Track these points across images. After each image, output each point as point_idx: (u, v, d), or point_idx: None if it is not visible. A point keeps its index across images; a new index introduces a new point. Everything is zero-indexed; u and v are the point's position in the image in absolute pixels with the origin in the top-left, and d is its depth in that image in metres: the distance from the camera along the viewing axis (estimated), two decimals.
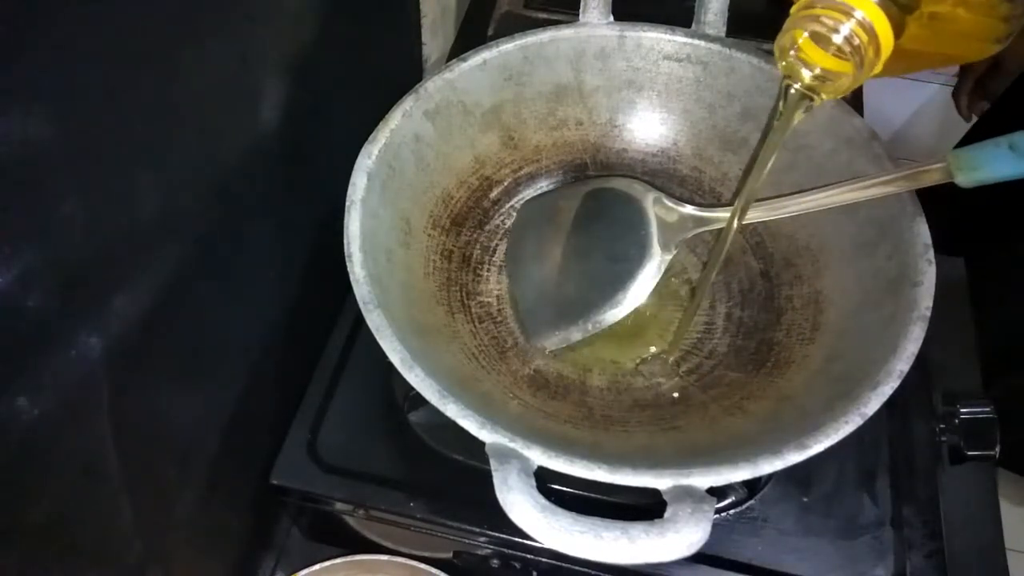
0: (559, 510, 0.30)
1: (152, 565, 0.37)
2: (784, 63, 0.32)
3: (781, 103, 0.34)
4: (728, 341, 0.45)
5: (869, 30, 0.29)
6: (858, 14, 0.29)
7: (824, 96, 0.32)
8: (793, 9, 0.31)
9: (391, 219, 0.42)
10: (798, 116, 0.34)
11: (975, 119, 0.78)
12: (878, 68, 0.30)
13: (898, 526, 0.42)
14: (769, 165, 0.36)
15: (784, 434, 0.33)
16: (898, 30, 0.29)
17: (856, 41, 0.29)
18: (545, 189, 0.50)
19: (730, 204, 0.46)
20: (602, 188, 0.46)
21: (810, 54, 0.31)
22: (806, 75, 0.32)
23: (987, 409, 0.45)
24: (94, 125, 0.27)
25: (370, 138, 0.42)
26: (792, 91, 0.33)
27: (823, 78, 0.32)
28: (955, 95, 0.77)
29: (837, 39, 0.29)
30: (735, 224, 0.39)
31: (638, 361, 0.45)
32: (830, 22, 0.29)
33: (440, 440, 0.45)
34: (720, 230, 0.41)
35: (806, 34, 0.30)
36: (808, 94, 0.33)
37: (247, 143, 0.39)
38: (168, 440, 0.38)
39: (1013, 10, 0.28)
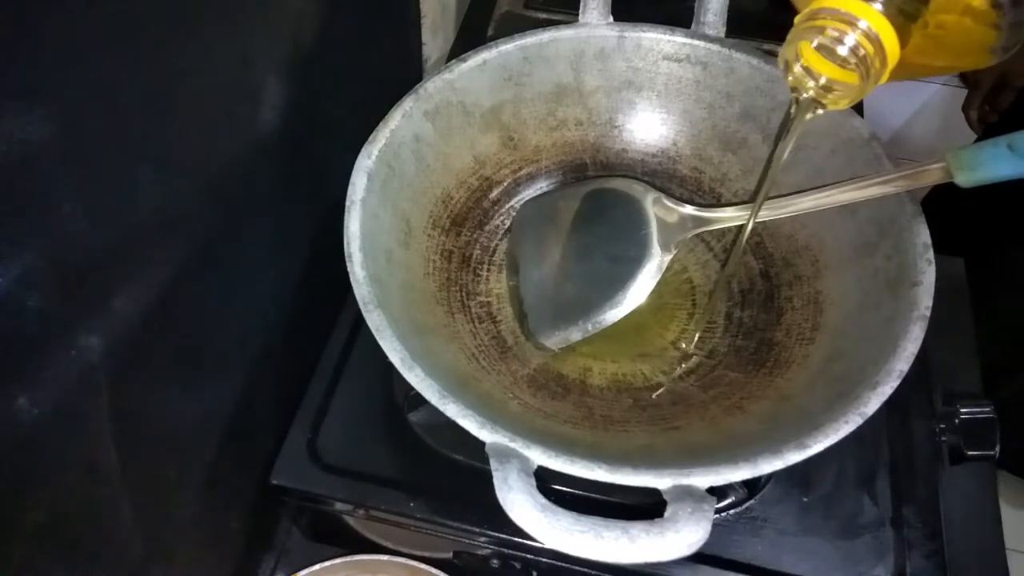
0: (559, 510, 0.30)
1: (152, 565, 0.37)
2: (790, 77, 0.32)
3: (793, 107, 0.34)
4: (728, 341, 0.45)
5: (875, 40, 0.28)
6: (863, 24, 0.28)
7: (830, 106, 0.32)
8: (797, 19, 0.30)
9: (391, 219, 0.42)
10: (808, 117, 0.33)
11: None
12: (884, 78, 0.30)
13: (898, 526, 0.42)
14: (783, 162, 0.36)
15: (784, 434, 0.33)
16: (903, 39, 0.29)
17: (862, 52, 0.28)
18: (545, 189, 0.50)
19: (730, 204, 0.46)
20: (602, 188, 0.46)
21: (815, 65, 0.31)
22: (812, 85, 0.32)
23: (987, 409, 0.45)
24: (94, 125, 0.27)
25: (370, 138, 0.42)
26: (800, 99, 0.33)
27: (829, 88, 0.31)
28: (965, 110, 0.78)
29: (842, 50, 0.29)
30: (751, 223, 0.39)
31: (640, 360, 0.45)
32: (835, 33, 0.29)
33: (440, 440, 0.45)
34: (739, 227, 0.41)
35: (813, 45, 0.30)
36: (815, 103, 0.32)
37: (247, 143, 0.39)
38: (168, 440, 0.38)
39: (1014, 17, 0.28)
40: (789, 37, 0.31)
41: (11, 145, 0.23)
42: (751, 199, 0.39)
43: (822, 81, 0.31)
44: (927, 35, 0.29)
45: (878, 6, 0.28)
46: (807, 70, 0.31)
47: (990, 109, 0.77)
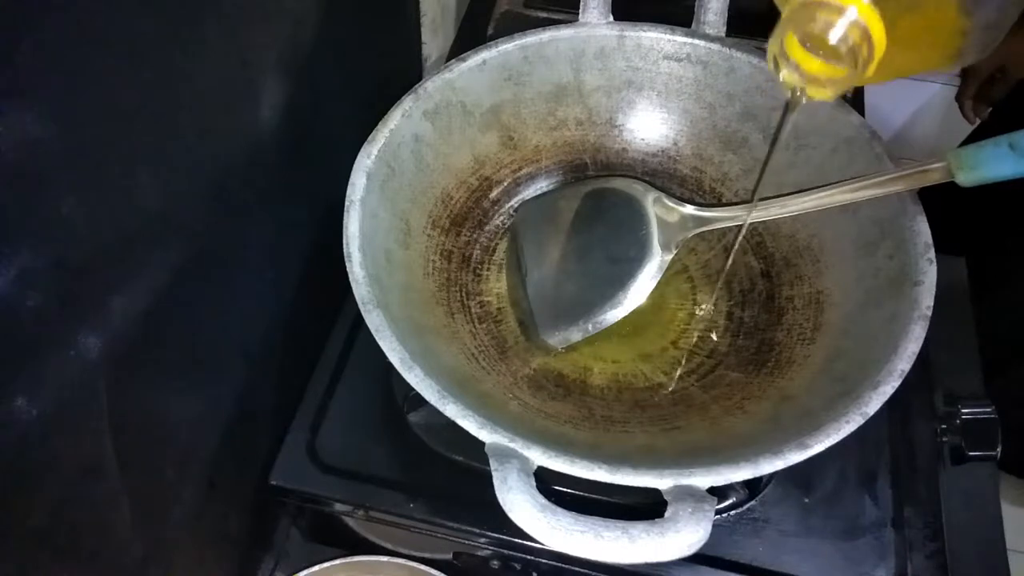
0: (559, 510, 0.30)
1: (152, 565, 0.37)
2: (781, 74, 0.32)
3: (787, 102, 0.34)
4: (729, 341, 0.45)
5: (862, 29, 0.28)
6: (852, 13, 0.28)
7: (817, 97, 0.32)
8: (784, 12, 0.30)
9: (390, 219, 0.42)
10: (798, 109, 0.34)
11: (979, 122, 0.78)
12: (871, 71, 0.30)
13: (899, 527, 0.42)
14: (779, 155, 0.36)
15: (785, 434, 0.33)
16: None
17: (851, 40, 0.29)
18: (545, 189, 0.50)
19: (730, 204, 0.46)
20: (602, 188, 0.46)
21: (802, 61, 0.31)
22: (799, 79, 0.32)
23: (988, 409, 0.45)
24: (94, 125, 0.27)
25: (369, 138, 0.42)
26: (793, 95, 0.33)
27: (816, 80, 0.31)
28: (959, 98, 0.77)
29: (833, 37, 0.29)
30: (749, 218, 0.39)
31: (641, 360, 0.45)
32: (823, 22, 0.29)
33: (440, 440, 0.45)
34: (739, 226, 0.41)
35: (800, 35, 0.30)
36: (800, 96, 0.32)
37: (247, 143, 0.39)
38: (168, 440, 0.38)
39: (983, 20, 0.28)
40: (777, 28, 0.30)
41: (11, 145, 0.23)
42: (751, 198, 0.39)
43: (809, 73, 0.31)
44: (894, 38, 0.29)
45: None
46: (793, 62, 0.31)
47: (984, 100, 0.75)
